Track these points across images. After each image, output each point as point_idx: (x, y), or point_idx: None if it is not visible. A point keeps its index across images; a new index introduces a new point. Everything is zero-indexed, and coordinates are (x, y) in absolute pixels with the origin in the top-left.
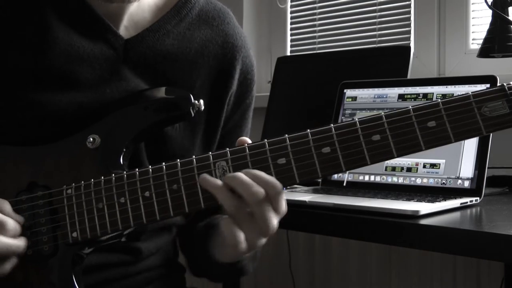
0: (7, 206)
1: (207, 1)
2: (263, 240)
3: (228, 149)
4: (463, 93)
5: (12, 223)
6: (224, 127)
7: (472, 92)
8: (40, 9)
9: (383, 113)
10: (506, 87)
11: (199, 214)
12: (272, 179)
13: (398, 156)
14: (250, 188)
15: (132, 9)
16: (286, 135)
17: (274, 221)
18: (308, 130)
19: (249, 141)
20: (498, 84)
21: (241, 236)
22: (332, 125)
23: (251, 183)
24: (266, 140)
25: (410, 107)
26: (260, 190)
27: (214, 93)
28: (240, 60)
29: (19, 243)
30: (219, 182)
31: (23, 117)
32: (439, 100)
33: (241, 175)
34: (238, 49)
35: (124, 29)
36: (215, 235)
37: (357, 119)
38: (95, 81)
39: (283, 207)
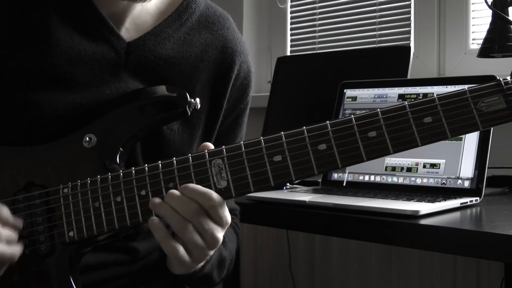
0: (4, 210)
1: (207, 6)
2: (210, 252)
3: (224, 147)
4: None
5: (5, 232)
6: (217, 131)
7: (468, 88)
8: (41, 10)
9: (379, 110)
10: (502, 82)
11: None
12: (208, 191)
13: (394, 152)
14: (185, 205)
15: (135, 12)
16: (282, 133)
17: (217, 233)
18: (304, 127)
19: (212, 146)
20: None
21: (180, 249)
22: (328, 122)
23: (185, 200)
24: (262, 137)
25: (406, 103)
26: (193, 206)
27: (213, 97)
28: (238, 65)
29: (13, 251)
30: (157, 200)
31: (22, 117)
32: (435, 96)
33: (174, 192)
34: (237, 54)
35: (126, 31)
36: None
37: (353, 116)
38: (95, 83)
39: (225, 218)
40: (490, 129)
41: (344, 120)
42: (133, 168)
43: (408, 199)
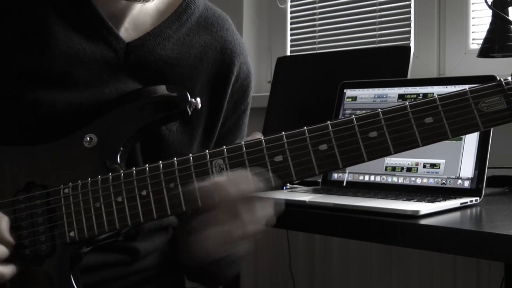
0: (2, 225)
1: (206, 7)
2: (241, 246)
3: (225, 147)
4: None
5: None
6: (218, 132)
7: (469, 88)
8: (41, 10)
9: (380, 110)
10: (503, 83)
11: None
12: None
13: (395, 153)
14: (240, 185)
15: (134, 12)
16: (283, 133)
17: (260, 227)
18: (305, 128)
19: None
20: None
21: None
22: (328, 122)
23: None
24: (262, 137)
25: (407, 103)
26: (250, 187)
27: (213, 99)
28: (238, 66)
29: (3, 270)
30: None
31: (21, 117)
32: (436, 96)
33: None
34: (236, 55)
35: (125, 31)
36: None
37: (353, 116)
38: (94, 83)
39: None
40: (490, 129)
41: (345, 120)
42: (134, 168)
43: (408, 199)
